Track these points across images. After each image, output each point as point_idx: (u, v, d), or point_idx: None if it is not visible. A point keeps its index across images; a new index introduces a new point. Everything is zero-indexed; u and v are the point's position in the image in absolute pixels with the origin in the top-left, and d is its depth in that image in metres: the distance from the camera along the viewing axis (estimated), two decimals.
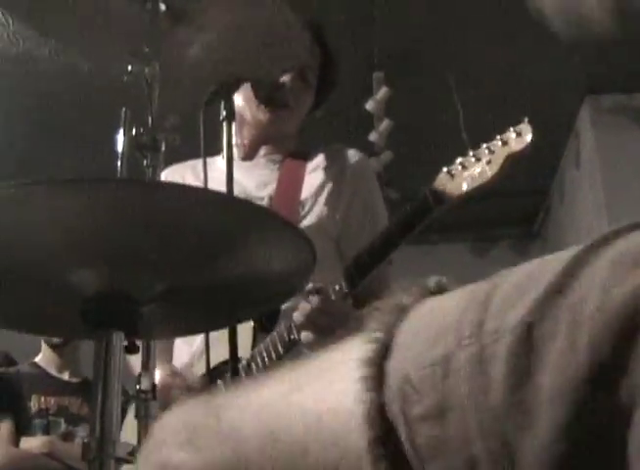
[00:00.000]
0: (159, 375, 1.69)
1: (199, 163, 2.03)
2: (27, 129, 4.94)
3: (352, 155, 2.12)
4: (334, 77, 2.19)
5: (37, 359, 3.76)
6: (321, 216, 2.01)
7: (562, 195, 5.36)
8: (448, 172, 1.74)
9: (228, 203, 1.00)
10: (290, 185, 2.05)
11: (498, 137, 1.70)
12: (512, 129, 1.68)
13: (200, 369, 1.82)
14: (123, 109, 1.32)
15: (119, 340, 1.01)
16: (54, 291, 1.05)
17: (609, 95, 4.61)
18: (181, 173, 2.10)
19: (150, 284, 1.03)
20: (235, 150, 1.97)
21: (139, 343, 1.10)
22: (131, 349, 1.05)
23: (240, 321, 1.61)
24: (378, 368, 0.41)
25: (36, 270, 1.02)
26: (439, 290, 0.48)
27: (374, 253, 1.78)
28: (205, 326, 1.42)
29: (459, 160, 1.73)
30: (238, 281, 1.09)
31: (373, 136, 4.26)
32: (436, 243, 5.98)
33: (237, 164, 1.85)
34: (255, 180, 2.05)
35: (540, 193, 5.64)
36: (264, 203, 1.99)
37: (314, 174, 2.07)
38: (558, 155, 5.18)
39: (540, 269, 0.40)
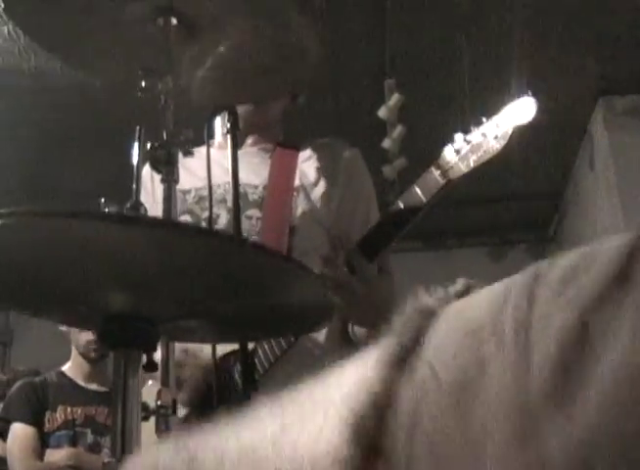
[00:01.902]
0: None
1: (187, 160, 2.05)
2: (39, 144, 4.96)
3: (345, 147, 2.13)
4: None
5: (64, 369, 3.74)
6: (314, 205, 2.01)
7: (577, 198, 5.34)
8: (454, 149, 1.72)
9: (246, 248, 0.99)
10: (283, 174, 2.05)
11: (503, 111, 1.68)
12: (516, 103, 1.67)
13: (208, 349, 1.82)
14: (137, 127, 1.32)
15: (138, 358, 1.01)
16: (77, 308, 1.06)
17: (622, 97, 4.59)
18: None
19: (169, 307, 1.04)
20: (220, 139, 2.01)
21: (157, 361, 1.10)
22: (150, 367, 1.05)
23: (254, 340, 1.62)
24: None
25: (62, 288, 1.02)
26: (467, 292, 0.43)
27: (382, 233, 1.77)
28: (220, 341, 1.43)
29: (464, 136, 1.71)
30: (253, 311, 1.10)
31: (386, 143, 4.24)
32: (452, 248, 5.98)
33: (225, 152, 1.81)
34: (247, 169, 2.02)
35: (555, 196, 5.63)
36: (258, 190, 2.01)
37: (307, 163, 2.07)
38: (572, 157, 5.16)
39: (589, 260, 0.35)
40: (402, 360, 0.38)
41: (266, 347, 1.80)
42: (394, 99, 4.13)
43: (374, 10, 4.00)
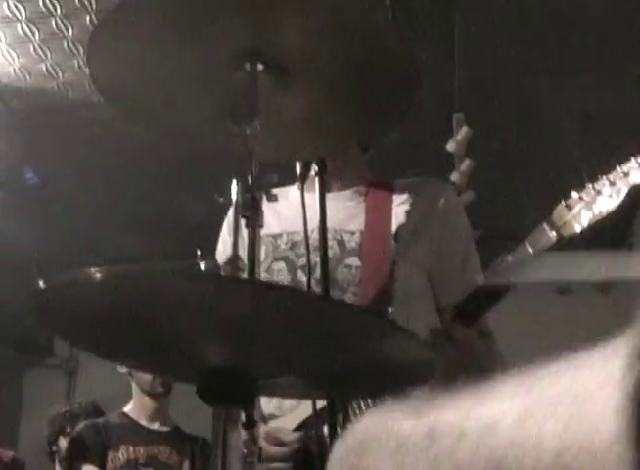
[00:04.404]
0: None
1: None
2: (131, 190, 5.05)
3: (441, 187, 2.10)
4: None
5: (126, 410, 3.77)
6: (414, 250, 1.97)
7: None
8: (567, 205, 1.68)
9: (347, 311, 0.98)
10: (379, 218, 2.00)
11: (619, 168, 1.63)
12: (633, 160, 1.62)
13: (287, 421, 1.78)
14: (234, 180, 1.31)
15: (237, 415, 1.00)
16: (178, 363, 1.06)
17: None
18: None
19: (268, 364, 1.03)
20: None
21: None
22: (249, 423, 1.03)
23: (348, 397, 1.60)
24: None
25: (163, 343, 1.02)
26: None
27: (485, 294, 1.71)
28: (315, 397, 1.42)
29: (577, 194, 1.67)
30: (348, 367, 1.08)
31: (454, 176, 4.23)
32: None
33: (315, 195, 1.77)
34: (342, 214, 2.00)
35: (625, 230, 5.54)
36: (356, 237, 1.96)
37: (403, 206, 2.02)
38: None
39: None
40: None
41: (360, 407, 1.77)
42: (463, 132, 4.10)
43: (442, 42, 3.99)
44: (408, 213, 2.01)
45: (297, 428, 1.76)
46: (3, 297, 6.15)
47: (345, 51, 1.37)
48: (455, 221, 2.06)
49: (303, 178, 1.72)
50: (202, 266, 1.03)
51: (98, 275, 0.90)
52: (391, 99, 1.43)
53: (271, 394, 1.40)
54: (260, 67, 1.36)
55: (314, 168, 1.68)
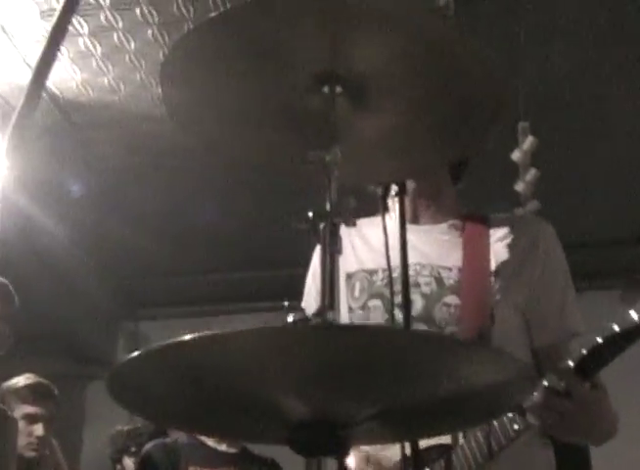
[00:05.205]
0: (353, 458, 1.64)
1: (364, 225, 1.98)
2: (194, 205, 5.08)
3: (541, 225, 2.02)
4: None
5: None
6: (513, 290, 1.91)
7: None
8: None
9: (433, 340, 0.94)
10: (477, 254, 1.93)
11: None
12: None
13: (391, 454, 1.74)
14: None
15: (326, 466, 0.97)
16: (262, 416, 1.02)
17: None
18: (347, 235, 1.99)
19: (355, 412, 0.99)
20: (393, 213, 1.89)
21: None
22: None
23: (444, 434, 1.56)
24: None
25: (248, 396, 0.99)
26: None
27: (598, 354, 1.68)
28: (405, 439, 1.38)
29: None
30: (446, 400, 1.03)
31: (519, 186, 4.16)
32: (585, 290, 5.75)
33: (407, 227, 1.70)
34: (439, 248, 1.95)
35: None
36: (453, 274, 1.90)
37: (502, 244, 1.96)
38: None
39: None
40: None
41: (468, 449, 1.72)
42: (528, 142, 4.02)
43: (506, 49, 3.92)
44: (508, 251, 1.94)
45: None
46: (63, 309, 6.20)
47: (425, 70, 1.32)
48: (556, 262, 1.99)
49: (384, 201, 1.67)
50: (289, 318, 0.99)
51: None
52: (475, 118, 1.38)
53: (363, 441, 1.36)
54: (339, 89, 1.31)
55: (394, 190, 1.63)
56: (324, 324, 1.02)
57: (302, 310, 1.03)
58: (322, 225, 1.31)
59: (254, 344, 0.89)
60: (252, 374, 0.94)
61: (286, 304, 1.15)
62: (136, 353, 0.90)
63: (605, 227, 5.18)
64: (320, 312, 1.08)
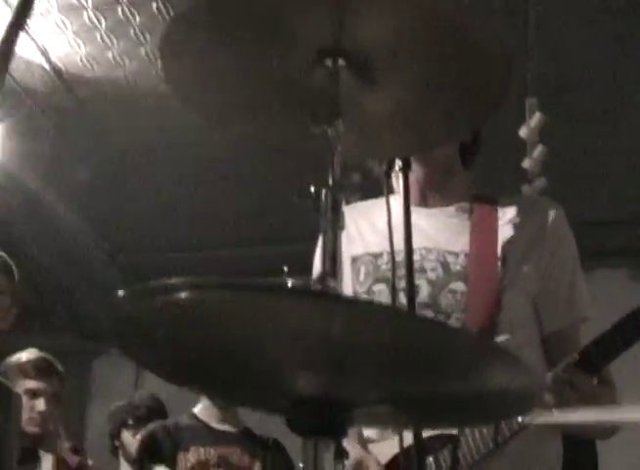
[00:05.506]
0: (352, 449, 1.62)
1: (371, 207, 1.95)
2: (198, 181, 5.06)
3: (550, 208, 1.96)
4: None
5: (196, 411, 3.75)
6: (521, 275, 1.86)
7: None
8: None
9: (444, 331, 0.92)
10: (485, 239, 1.89)
11: None
12: None
13: (385, 447, 1.73)
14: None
15: (328, 447, 0.95)
16: (266, 393, 1.01)
17: None
18: (354, 218, 1.97)
19: (363, 391, 0.97)
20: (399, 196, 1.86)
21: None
22: (339, 454, 0.98)
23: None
24: None
25: (251, 371, 0.97)
26: None
27: (608, 344, 1.64)
28: (411, 428, 1.36)
29: None
30: (450, 396, 1.01)
31: (526, 163, 4.13)
32: (593, 269, 5.72)
33: (415, 209, 1.72)
34: (446, 232, 1.91)
35: None
36: (460, 259, 1.86)
37: (509, 227, 1.91)
38: None
39: None
40: None
41: (472, 441, 1.71)
42: (536, 118, 3.99)
43: (515, 28, 3.88)
44: (516, 235, 1.90)
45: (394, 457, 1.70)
46: (71, 284, 6.21)
47: (431, 44, 1.29)
48: (565, 246, 1.95)
49: (388, 177, 1.65)
50: (289, 284, 0.96)
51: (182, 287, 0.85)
52: (481, 93, 1.35)
53: (365, 424, 1.34)
54: (342, 63, 1.29)
55: (398, 165, 1.61)
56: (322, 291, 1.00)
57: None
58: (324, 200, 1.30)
59: (253, 306, 0.86)
60: (251, 339, 0.92)
61: (285, 269, 1.13)
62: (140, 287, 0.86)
63: (614, 206, 5.15)
64: (321, 279, 1.06)
